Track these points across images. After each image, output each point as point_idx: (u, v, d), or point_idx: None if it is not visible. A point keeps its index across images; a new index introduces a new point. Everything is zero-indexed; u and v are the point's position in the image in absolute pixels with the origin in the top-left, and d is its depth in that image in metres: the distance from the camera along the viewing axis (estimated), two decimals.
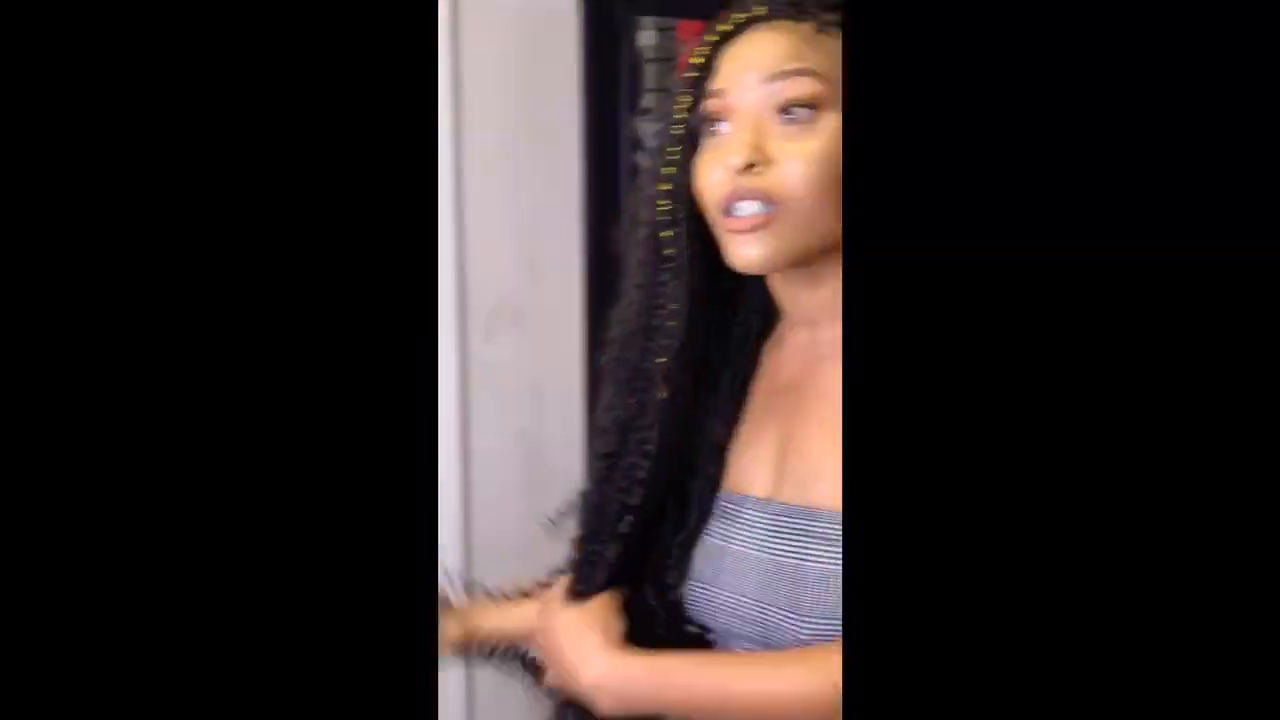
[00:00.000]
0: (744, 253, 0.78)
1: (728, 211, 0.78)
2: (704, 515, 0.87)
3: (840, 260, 0.78)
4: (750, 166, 0.76)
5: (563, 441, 1.75)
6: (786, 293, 0.85)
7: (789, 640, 0.77)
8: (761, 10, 0.80)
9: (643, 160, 0.86)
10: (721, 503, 0.87)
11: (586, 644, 0.82)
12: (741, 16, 0.80)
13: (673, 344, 0.84)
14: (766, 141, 0.77)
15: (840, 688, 0.59)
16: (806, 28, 0.78)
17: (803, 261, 0.80)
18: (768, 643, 0.80)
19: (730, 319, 0.90)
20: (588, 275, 1.79)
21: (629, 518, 0.86)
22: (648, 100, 1.72)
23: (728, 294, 0.89)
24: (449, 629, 0.99)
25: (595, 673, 0.80)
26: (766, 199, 0.76)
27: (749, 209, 0.77)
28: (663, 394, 0.84)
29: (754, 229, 0.77)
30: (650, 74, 1.76)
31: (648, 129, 1.70)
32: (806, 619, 0.76)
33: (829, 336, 0.82)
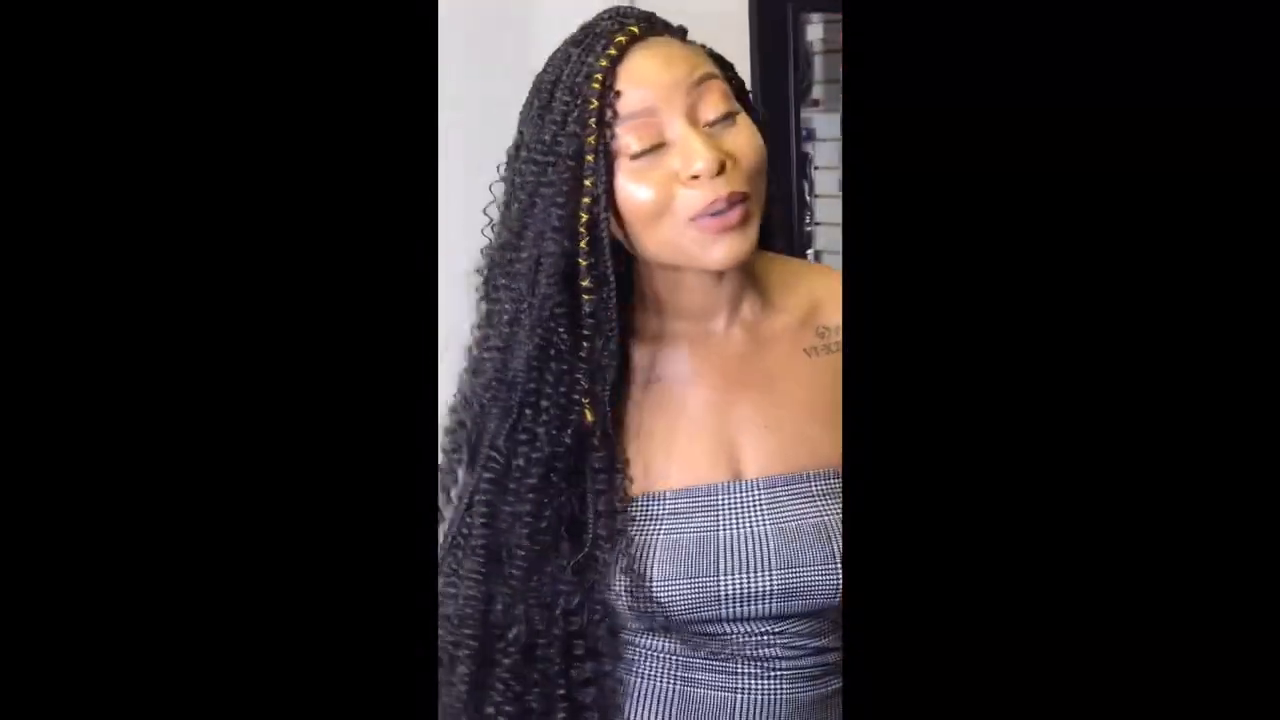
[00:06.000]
0: (732, 248, 0.79)
1: (711, 214, 0.78)
2: (611, 528, 0.84)
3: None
4: (722, 169, 0.77)
5: None
6: (697, 288, 0.86)
7: (828, 598, 0.82)
8: (635, 29, 0.80)
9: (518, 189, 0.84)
10: (666, 502, 0.85)
11: None
12: (623, 38, 0.80)
13: (609, 368, 0.83)
14: (718, 142, 0.78)
15: None
16: (678, 40, 0.83)
17: None
18: (809, 609, 0.83)
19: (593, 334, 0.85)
20: None
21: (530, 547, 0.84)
22: (817, 91, 1.80)
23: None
24: None
25: None
26: (742, 194, 0.78)
27: (733, 205, 0.78)
28: (589, 418, 0.83)
29: (741, 223, 0.79)
30: (820, 65, 1.84)
31: (817, 119, 1.78)
32: (835, 573, 0.81)
33: (739, 329, 0.87)
